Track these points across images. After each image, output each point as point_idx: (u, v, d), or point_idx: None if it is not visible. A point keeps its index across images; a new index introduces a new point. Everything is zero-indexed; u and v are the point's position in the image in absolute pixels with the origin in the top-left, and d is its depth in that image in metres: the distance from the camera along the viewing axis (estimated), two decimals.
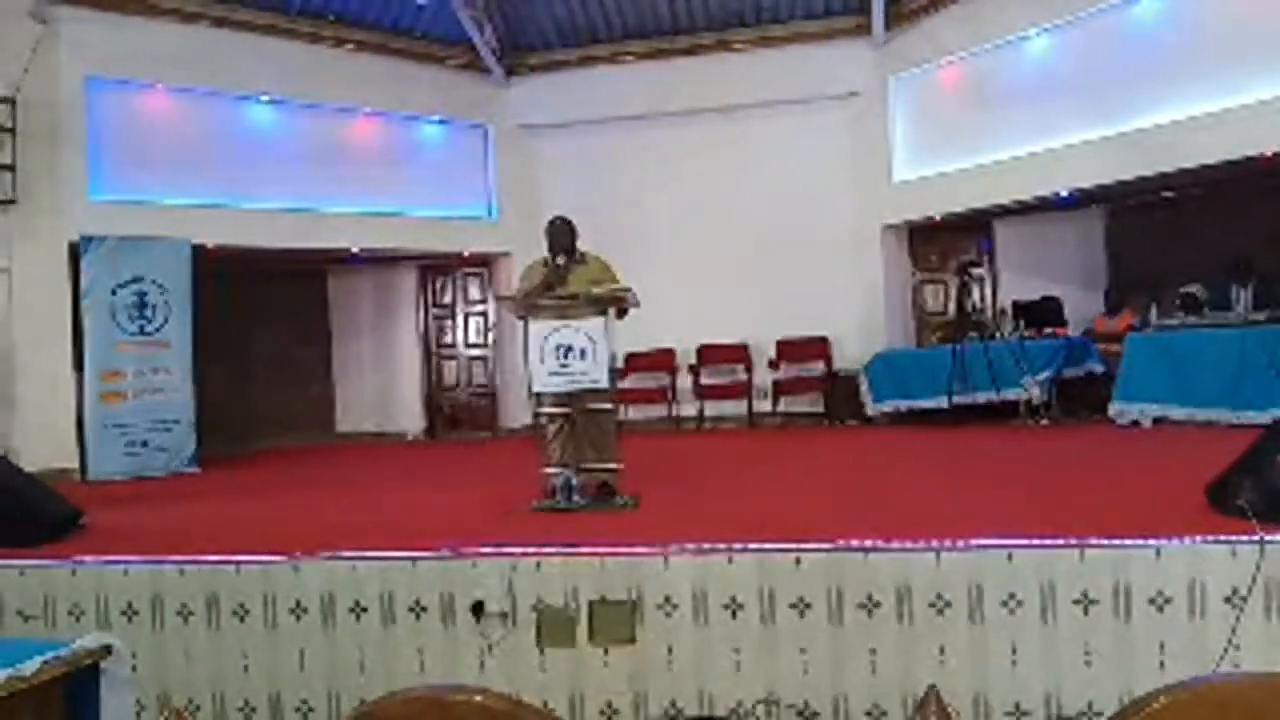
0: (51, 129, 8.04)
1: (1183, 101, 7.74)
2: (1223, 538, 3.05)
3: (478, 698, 1.28)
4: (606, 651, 3.35)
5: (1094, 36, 8.46)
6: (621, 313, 4.77)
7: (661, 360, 10.26)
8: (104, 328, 7.84)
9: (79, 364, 7.86)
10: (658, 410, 10.17)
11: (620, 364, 9.61)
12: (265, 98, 9.41)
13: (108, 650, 2.26)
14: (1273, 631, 2.97)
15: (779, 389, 9.94)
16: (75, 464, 7.84)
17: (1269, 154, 7.23)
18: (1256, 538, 3.00)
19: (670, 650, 3.33)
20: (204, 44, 8.94)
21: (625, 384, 9.85)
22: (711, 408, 10.16)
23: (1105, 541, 3.10)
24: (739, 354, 10.21)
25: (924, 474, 5.53)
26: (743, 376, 10.11)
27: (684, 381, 10.23)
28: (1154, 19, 8.07)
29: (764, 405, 10.05)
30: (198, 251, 8.41)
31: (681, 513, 4.42)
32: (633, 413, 9.99)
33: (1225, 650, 2.95)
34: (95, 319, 7.82)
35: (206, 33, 8.96)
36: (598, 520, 4.26)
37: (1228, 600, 2.98)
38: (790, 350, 10.12)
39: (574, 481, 4.65)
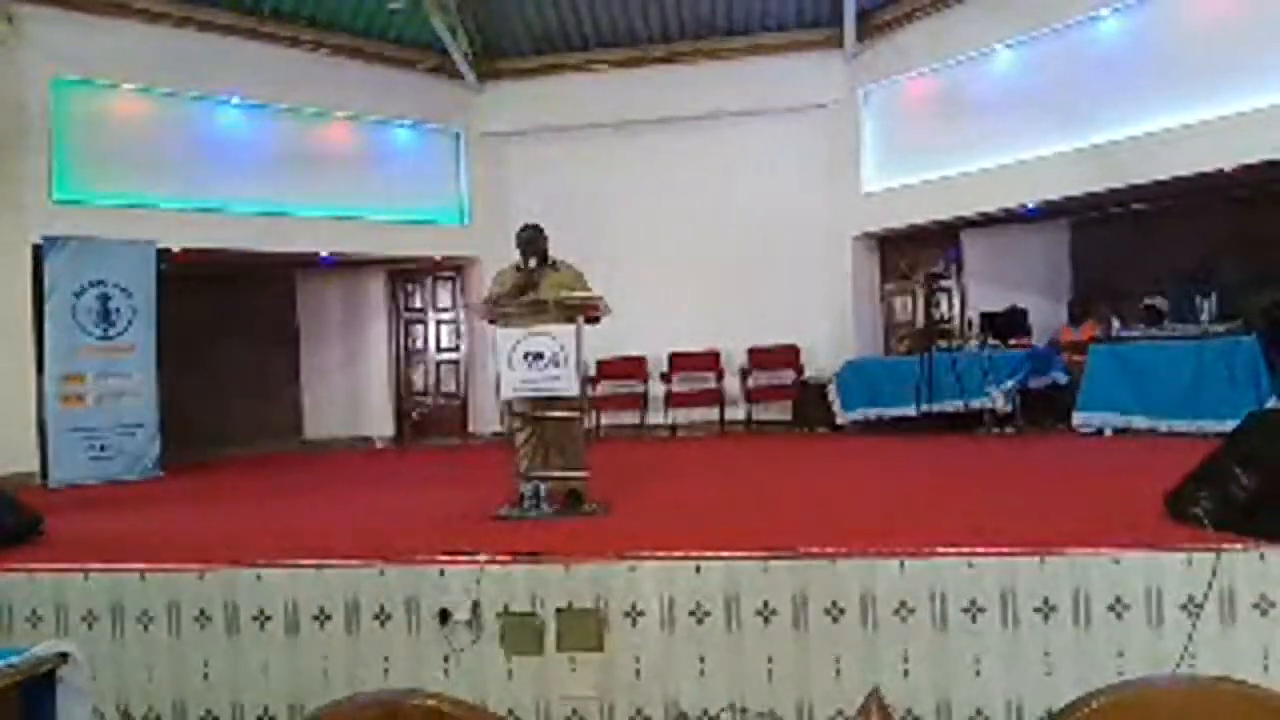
0: (15, 129, 7.90)
1: (1147, 116, 7.90)
2: (1179, 547, 3.10)
3: (430, 701, 1.27)
4: (573, 659, 3.34)
5: (1060, 52, 8.61)
6: (592, 320, 4.76)
7: (633, 367, 10.27)
8: (66, 330, 7.72)
9: (41, 367, 7.74)
10: (629, 417, 10.17)
11: (591, 371, 9.61)
12: (235, 100, 9.33)
13: (64, 658, 2.21)
14: (1228, 638, 3.03)
15: (750, 396, 9.98)
16: (36, 468, 7.70)
17: (1231, 168, 7.39)
18: (1212, 546, 3.05)
19: (637, 658, 3.33)
20: (173, 45, 8.84)
21: (597, 391, 9.86)
22: (682, 415, 10.19)
23: (1065, 550, 3.15)
24: (710, 361, 10.25)
25: (889, 482, 5.58)
26: (714, 384, 10.15)
27: (655, 389, 10.26)
28: (1119, 36, 8.23)
29: (735, 413, 10.09)
30: (164, 255, 8.31)
31: (650, 520, 4.42)
32: (604, 419, 10.00)
33: (1181, 657, 3.00)
34: (57, 321, 7.70)
35: (176, 34, 8.87)
36: (565, 527, 4.25)
37: (1184, 608, 3.04)
38: (761, 358, 10.17)
39: (542, 489, 4.64)
